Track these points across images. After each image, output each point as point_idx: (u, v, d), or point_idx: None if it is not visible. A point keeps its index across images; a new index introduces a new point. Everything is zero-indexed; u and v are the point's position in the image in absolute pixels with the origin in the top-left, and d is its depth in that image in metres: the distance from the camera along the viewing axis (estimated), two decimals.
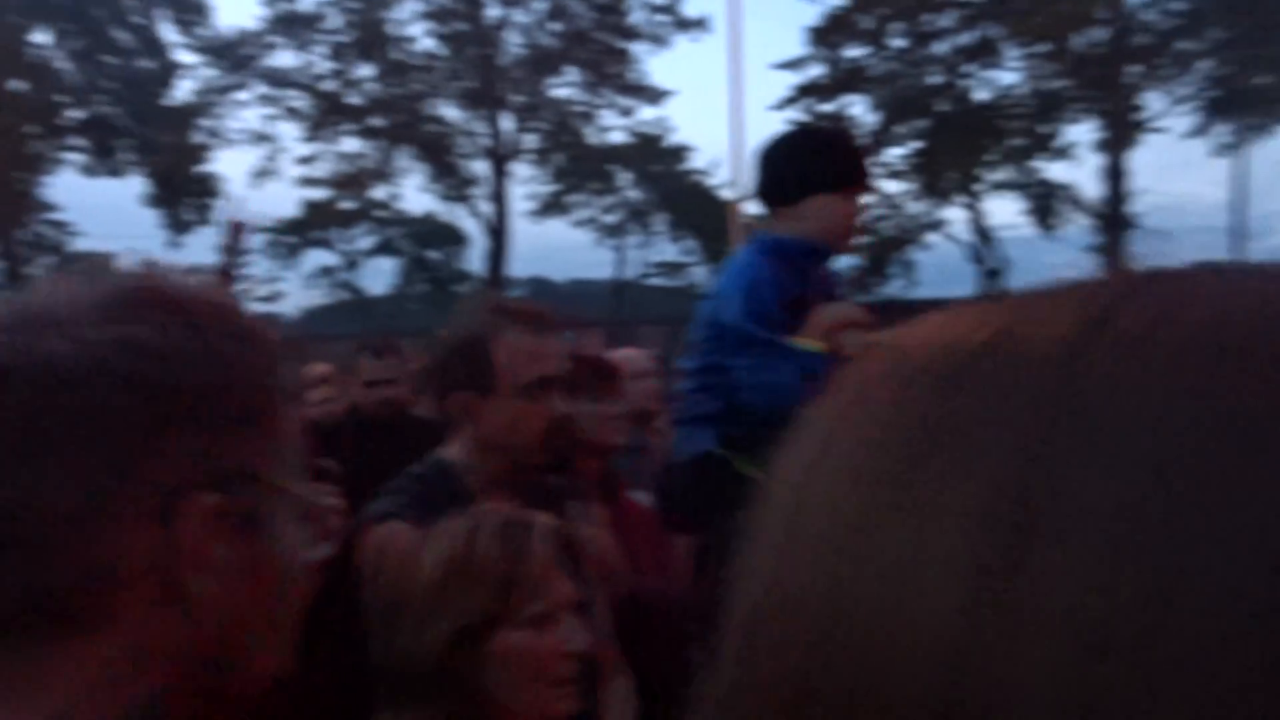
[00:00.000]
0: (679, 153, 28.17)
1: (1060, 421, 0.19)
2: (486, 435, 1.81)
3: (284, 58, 24.86)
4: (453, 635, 1.24)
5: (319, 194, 26.43)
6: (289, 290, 28.10)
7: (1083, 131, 25.54)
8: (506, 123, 26.04)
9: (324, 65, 24.90)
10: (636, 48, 25.66)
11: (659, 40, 25.61)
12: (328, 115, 25.02)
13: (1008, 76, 25.05)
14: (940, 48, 24.47)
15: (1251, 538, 0.18)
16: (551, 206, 27.94)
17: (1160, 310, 0.21)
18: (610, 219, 29.47)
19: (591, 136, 26.79)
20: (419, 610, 1.26)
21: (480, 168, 26.39)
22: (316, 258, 28.65)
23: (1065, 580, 0.19)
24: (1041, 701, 0.18)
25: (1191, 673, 0.17)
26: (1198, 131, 27.99)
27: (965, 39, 24.17)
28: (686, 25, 25.32)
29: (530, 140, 26.77)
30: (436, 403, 1.92)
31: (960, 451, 0.20)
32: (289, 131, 30.09)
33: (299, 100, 25.16)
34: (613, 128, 26.87)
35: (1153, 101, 24.23)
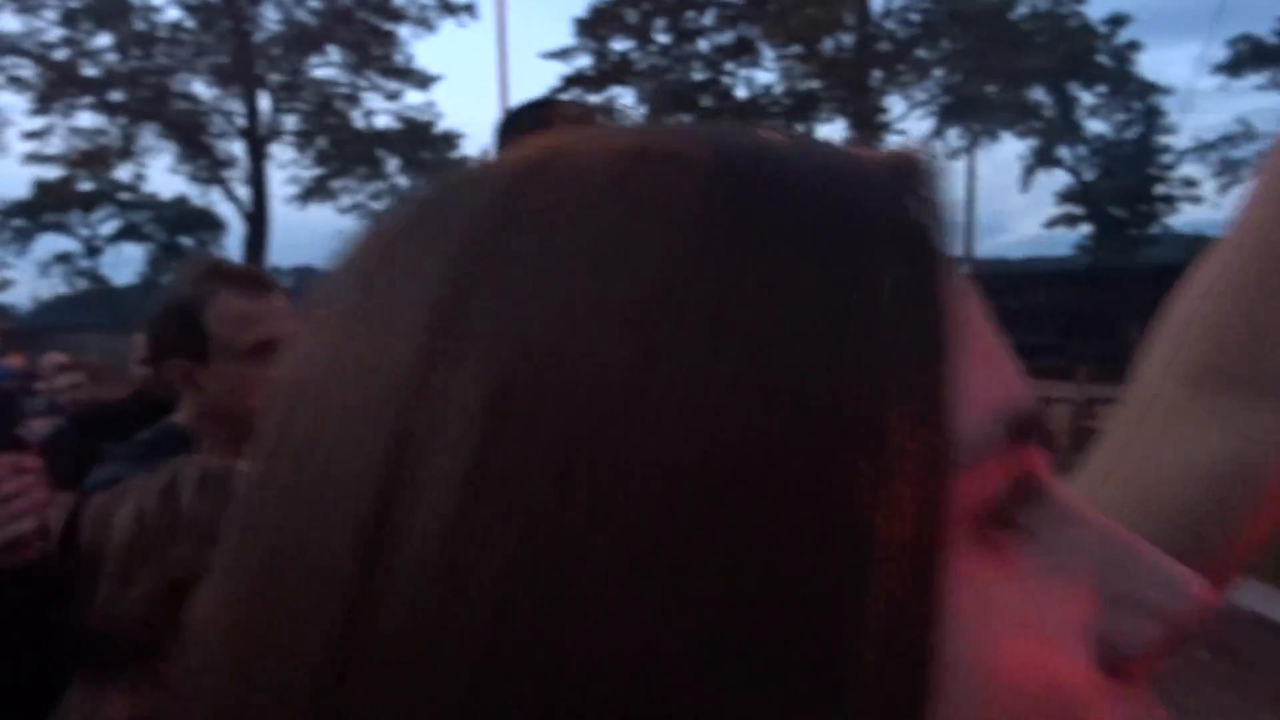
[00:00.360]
0: (448, 139, 27.78)
1: (503, 219, 0.24)
2: (208, 402, 1.76)
3: (6, 22, 22.69)
4: (154, 592, 1.20)
5: (52, 173, 24.33)
6: (19, 279, 25.69)
7: (834, 131, 27.09)
8: (264, 102, 24.85)
9: (54, 32, 22.91)
10: (402, 30, 25.10)
11: (425, 24, 25.14)
12: (59, 87, 23.02)
13: (765, 76, 26.25)
14: (703, 45, 25.30)
15: (632, 301, 0.22)
16: (315, 191, 26.87)
17: (602, 136, 0.26)
18: (379, 206, 28.66)
19: (357, 120, 25.99)
20: (117, 569, 1.22)
21: (236, 149, 25.08)
22: (51, 243, 26.38)
23: (493, 326, 0.22)
24: (468, 418, 0.22)
25: (564, 407, 0.21)
26: (934, 135, 30.30)
27: (725, 38, 25.11)
28: (453, 9, 24.98)
29: (290, 121, 25.67)
30: (155, 371, 1.84)
31: (425, 244, 0.25)
32: (14, 103, 27.45)
33: (25, 69, 23.03)
34: (379, 112, 26.20)
35: (894, 105, 26.04)
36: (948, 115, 28.27)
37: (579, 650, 0.20)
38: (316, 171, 26.64)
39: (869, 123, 24.03)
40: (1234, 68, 28.87)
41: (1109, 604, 0.24)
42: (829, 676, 0.20)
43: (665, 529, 0.20)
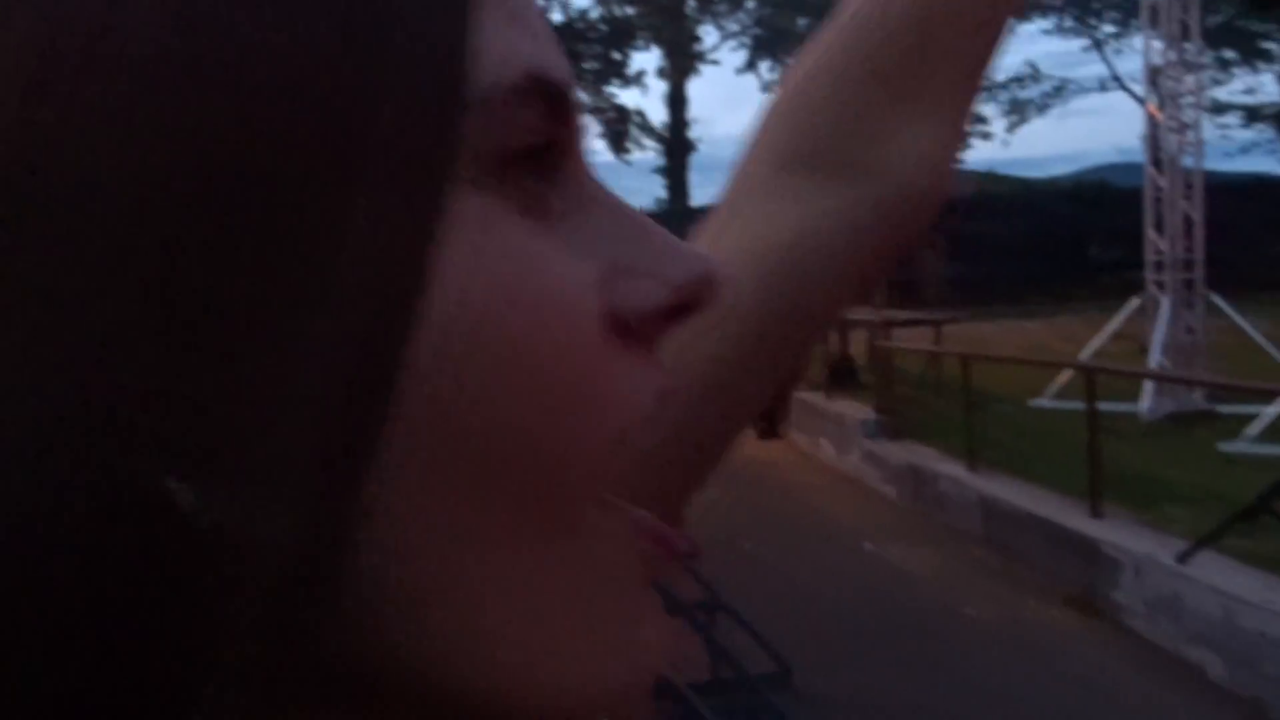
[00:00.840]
0: None
1: None
2: None
3: None
4: None
5: None
6: None
7: (649, 60, 27.13)
8: None
9: None
10: None
11: None
12: None
13: (580, 1, 25.93)
14: None
15: None
16: None
17: None
18: None
19: None
20: None
21: None
22: None
23: None
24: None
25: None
26: (747, 67, 30.79)
27: None
28: None
29: None
30: None
31: None
32: None
33: None
34: None
35: (709, 35, 26.25)
36: (760, 47, 28.76)
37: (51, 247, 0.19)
38: None
39: (683, 51, 24.18)
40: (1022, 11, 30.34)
41: (621, 271, 0.25)
42: (310, 286, 0.20)
43: (149, 117, 0.19)
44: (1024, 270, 24.06)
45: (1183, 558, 4.33)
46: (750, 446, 10.17)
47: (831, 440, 9.14)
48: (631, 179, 28.24)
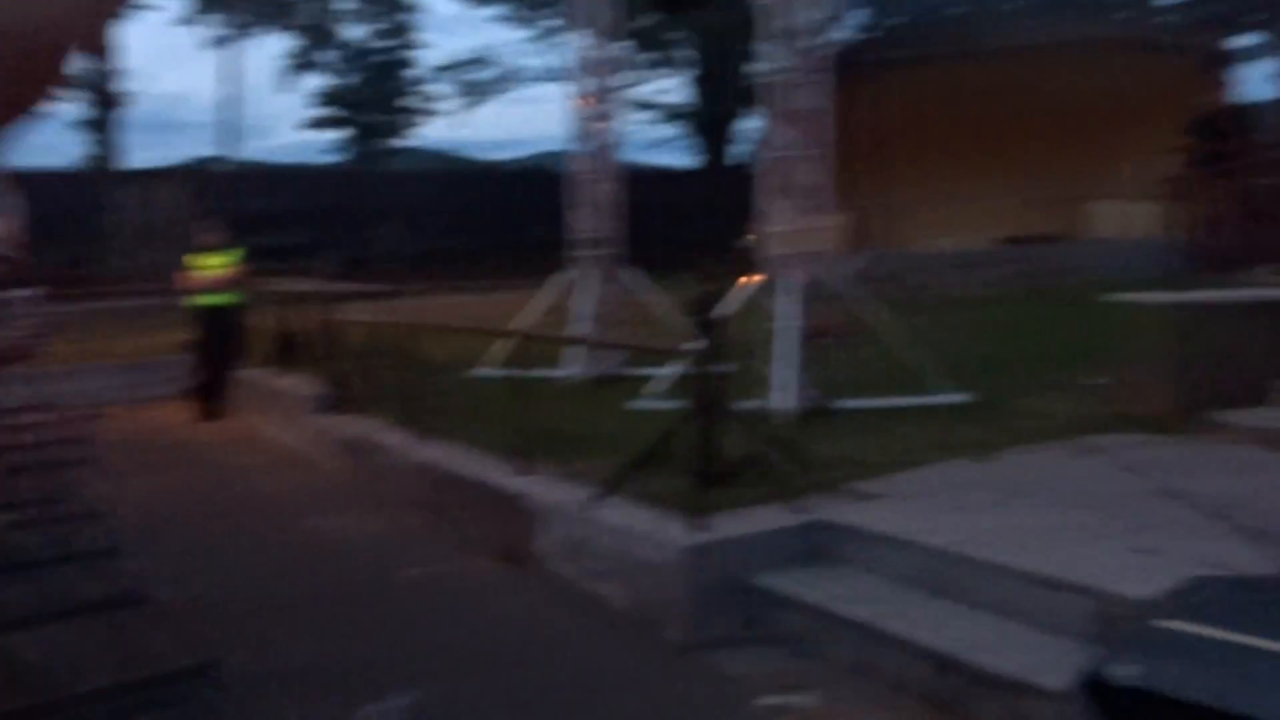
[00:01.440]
0: None
1: None
2: None
3: None
4: None
5: None
6: None
7: None
8: None
9: None
10: None
11: None
12: None
13: None
14: None
15: None
16: None
17: None
18: None
19: None
20: None
21: None
22: None
23: None
24: None
25: None
26: (188, 20, 28.45)
27: None
28: None
29: None
30: None
31: None
32: None
33: None
34: None
35: None
36: (210, 1, 26.82)
37: None
38: None
39: None
40: None
41: None
42: None
43: None
44: (474, 245, 25.19)
45: (590, 504, 4.87)
46: (189, 430, 9.54)
47: (279, 417, 8.89)
48: (53, 134, 24.75)
